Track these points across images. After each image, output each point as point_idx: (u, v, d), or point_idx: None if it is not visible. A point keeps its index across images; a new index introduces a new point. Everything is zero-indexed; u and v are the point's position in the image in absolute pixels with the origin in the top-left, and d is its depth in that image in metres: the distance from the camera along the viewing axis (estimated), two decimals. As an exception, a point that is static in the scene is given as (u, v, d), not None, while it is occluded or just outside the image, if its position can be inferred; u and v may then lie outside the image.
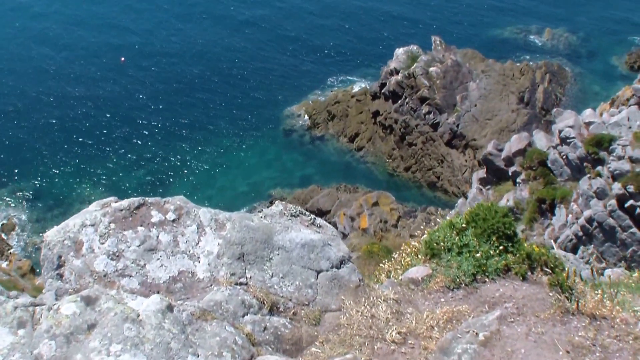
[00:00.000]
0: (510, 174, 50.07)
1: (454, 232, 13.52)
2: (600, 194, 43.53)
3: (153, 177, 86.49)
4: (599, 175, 44.35)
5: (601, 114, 50.37)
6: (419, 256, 13.93)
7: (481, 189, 51.59)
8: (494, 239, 13.07)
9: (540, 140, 50.35)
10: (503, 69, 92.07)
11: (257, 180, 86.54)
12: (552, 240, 44.30)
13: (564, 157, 46.83)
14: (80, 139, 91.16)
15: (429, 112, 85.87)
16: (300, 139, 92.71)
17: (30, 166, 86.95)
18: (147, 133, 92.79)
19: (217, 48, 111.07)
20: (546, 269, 13.09)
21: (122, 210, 10.61)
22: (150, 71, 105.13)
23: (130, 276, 9.90)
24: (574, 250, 44.31)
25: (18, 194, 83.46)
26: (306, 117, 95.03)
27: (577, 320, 10.84)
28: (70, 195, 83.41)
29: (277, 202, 12.27)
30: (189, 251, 10.53)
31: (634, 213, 42.36)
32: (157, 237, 10.39)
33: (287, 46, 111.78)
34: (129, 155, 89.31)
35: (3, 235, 76.84)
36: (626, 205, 42.36)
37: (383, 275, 14.38)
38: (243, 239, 10.83)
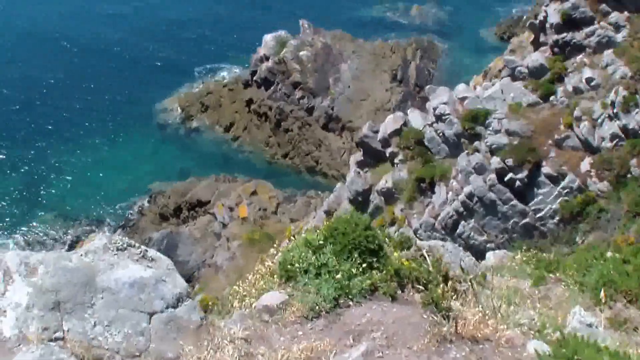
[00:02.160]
0: (387, 155, 49.86)
1: (311, 250, 12.05)
2: (480, 169, 43.74)
3: (25, 182, 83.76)
4: (477, 150, 44.57)
5: (475, 88, 50.67)
6: (274, 278, 12.45)
7: (359, 172, 51.28)
8: (355, 255, 11.75)
9: (416, 119, 50.28)
10: (373, 48, 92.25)
11: (136, 175, 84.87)
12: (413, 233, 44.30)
13: (441, 134, 46.88)
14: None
15: (302, 97, 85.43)
16: (175, 132, 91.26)
17: None
18: (17, 134, 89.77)
19: (84, 44, 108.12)
20: (418, 286, 11.85)
21: None
22: (17, 69, 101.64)
23: None
24: (455, 226, 44.54)
25: None
26: (179, 110, 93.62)
27: (455, 348, 9.62)
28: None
29: (100, 234, 10.47)
30: None
31: (514, 186, 42.74)
32: None
33: (153, 40, 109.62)
34: (1, 157, 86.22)
35: None
36: (506, 178, 42.73)
37: (236, 302, 12.87)
38: (58, 284, 9.08)
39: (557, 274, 17.86)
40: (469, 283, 13.46)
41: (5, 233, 77.15)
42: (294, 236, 40.44)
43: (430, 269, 12.74)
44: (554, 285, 17.08)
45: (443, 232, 44.85)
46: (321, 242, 12.07)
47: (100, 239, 10.15)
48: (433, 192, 46.79)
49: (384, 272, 11.72)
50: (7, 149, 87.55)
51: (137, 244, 10.42)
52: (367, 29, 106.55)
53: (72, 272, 9.23)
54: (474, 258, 19.18)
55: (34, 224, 78.26)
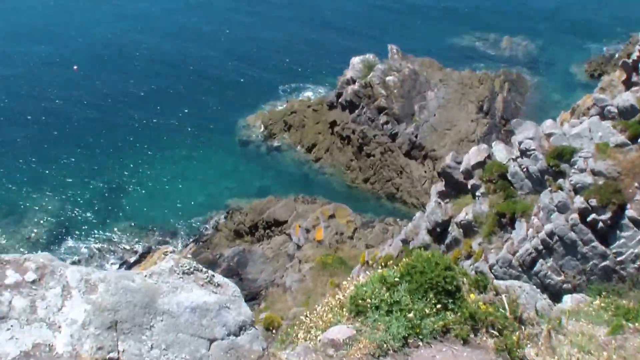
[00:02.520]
0: (469, 187, 48.99)
1: (385, 286, 11.75)
2: (562, 208, 42.62)
3: (108, 189, 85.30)
4: (561, 188, 43.42)
5: (562, 124, 49.58)
6: (344, 311, 12.04)
7: (440, 203, 50.47)
8: (431, 295, 11.41)
9: (500, 152, 49.34)
10: (461, 77, 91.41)
11: (214, 191, 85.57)
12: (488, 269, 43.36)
13: (525, 169, 45.87)
14: (34, 150, 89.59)
15: (386, 122, 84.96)
16: (257, 150, 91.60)
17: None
18: (101, 145, 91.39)
19: (171, 60, 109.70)
20: (493, 331, 11.43)
21: (-33, 269, 8.45)
22: (103, 82, 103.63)
23: (-31, 352, 7.79)
24: (532, 264, 43.49)
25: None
26: (262, 127, 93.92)
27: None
28: (23, 203, 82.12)
29: (169, 255, 10.12)
30: (49, 319, 8.38)
31: (596, 227, 41.54)
32: (10, 302, 8.28)
33: (242, 55, 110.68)
34: (84, 166, 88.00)
35: None
36: (588, 219, 41.54)
37: (301, 332, 12.37)
38: (117, 304, 8.70)
39: (637, 324, 16.94)
40: (543, 327, 13.08)
41: (80, 238, 78.12)
42: (367, 262, 39.90)
43: (508, 314, 12.22)
44: (632, 336, 16.24)
45: (520, 269, 43.84)
46: (397, 279, 11.79)
47: (167, 261, 9.92)
48: (513, 228, 45.75)
49: (459, 314, 11.36)
50: (90, 157, 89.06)
51: (204, 269, 10.08)
52: (456, 57, 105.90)
53: (133, 293, 8.91)
54: (550, 301, 18.46)
55: (109, 231, 79.29)
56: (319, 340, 10.78)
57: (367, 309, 11.36)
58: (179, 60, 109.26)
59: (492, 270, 43.92)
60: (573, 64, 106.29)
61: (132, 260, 74.70)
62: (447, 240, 48.38)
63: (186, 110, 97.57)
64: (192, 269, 9.86)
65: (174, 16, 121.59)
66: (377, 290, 11.60)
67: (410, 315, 10.79)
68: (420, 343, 10.53)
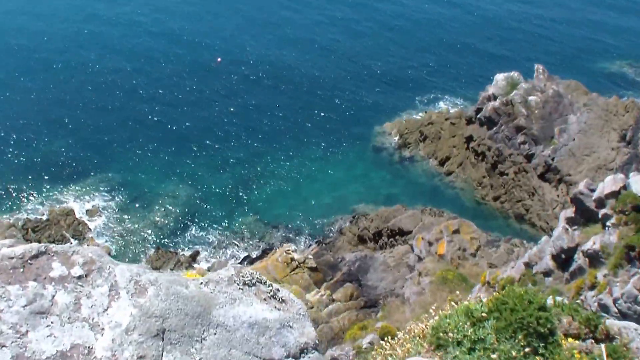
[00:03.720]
0: (600, 216, 47.45)
1: (470, 321, 10.83)
2: (695, 247, 40.84)
3: (239, 180, 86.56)
4: (696, 227, 41.64)
5: None
6: (424, 342, 11.17)
7: (567, 229, 49.07)
8: (520, 336, 10.32)
9: (637, 183, 47.62)
10: (607, 104, 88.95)
11: (342, 194, 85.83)
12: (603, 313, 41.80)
13: (660, 204, 44.15)
14: (171, 138, 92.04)
15: (524, 142, 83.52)
16: (389, 158, 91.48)
17: (121, 158, 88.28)
18: (237, 137, 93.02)
19: (317, 61, 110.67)
20: None
21: (12, 258, 7.74)
22: (247, 75, 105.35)
23: (3, 346, 7.08)
24: (659, 302, 41.84)
25: (106, 183, 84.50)
26: (397, 135, 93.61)
27: None
28: (155, 189, 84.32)
29: (230, 264, 9.05)
30: (92, 319, 7.64)
31: None
32: (53, 297, 7.59)
33: (386, 62, 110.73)
34: (218, 157, 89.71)
35: (86, 220, 78.90)
36: None
37: (378, 359, 11.66)
38: (167, 311, 7.90)
39: None
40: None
41: (205, 227, 79.39)
42: (488, 282, 39.04)
43: None
44: None
45: (634, 328, 42.23)
46: (484, 314, 10.87)
47: (228, 270, 9.05)
48: (642, 263, 44.15)
49: None
50: (224, 150, 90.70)
51: (268, 281, 9.28)
52: (603, 82, 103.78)
53: (186, 300, 8.17)
54: None
55: (234, 223, 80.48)
56: None
57: (449, 343, 10.58)
58: (320, 67, 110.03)
59: (616, 304, 42.46)
60: None
61: (254, 255, 75.48)
62: (571, 268, 47.08)
63: (323, 114, 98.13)
64: (254, 281, 9.10)
65: (319, 28, 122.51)
66: (461, 324, 10.80)
67: (494, 356, 9.97)
68: None
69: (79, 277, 7.94)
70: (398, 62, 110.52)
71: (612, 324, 14.66)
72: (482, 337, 10.33)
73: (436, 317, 11.72)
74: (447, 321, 10.98)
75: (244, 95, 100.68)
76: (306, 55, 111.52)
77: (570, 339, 11.70)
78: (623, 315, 42.29)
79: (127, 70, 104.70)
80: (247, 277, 9.02)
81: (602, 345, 12.07)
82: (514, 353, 10.07)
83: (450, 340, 10.55)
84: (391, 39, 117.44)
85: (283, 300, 9.07)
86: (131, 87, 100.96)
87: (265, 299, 8.89)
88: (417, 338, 11.74)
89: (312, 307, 59.29)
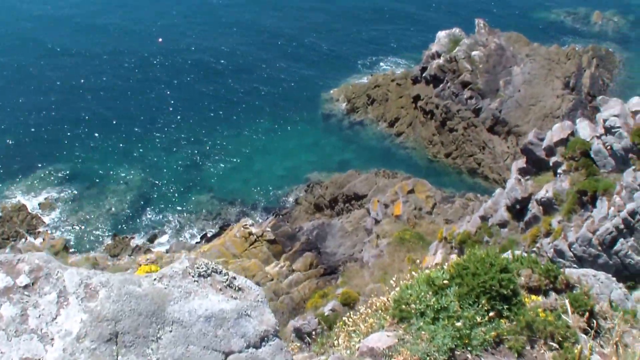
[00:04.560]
0: (551, 164, 48.04)
1: (432, 290, 10.60)
2: (645, 187, 41.49)
3: (190, 159, 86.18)
4: (644, 167, 42.23)
5: (649, 102, 48.24)
6: (387, 317, 10.92)
7: (520, 179, 49.62)
8: (483, 300, 10.19)
9: (584, 129, 48.21)
10: (548, 53, 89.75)
11: (295, 164, 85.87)
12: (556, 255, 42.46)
13: (608, 147, 44.76)
14: (117, 124, 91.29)
15: (470, 97, 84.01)
16: (339, 123, 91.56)
17: (68, 149, 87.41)
18: (185, 118, 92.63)
19: (256, 32, 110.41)
20: (552, 343, 10.14)
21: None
22: (188, 52, 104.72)
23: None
24: (612, 243, 42.53)
25: (55, 174, 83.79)
26: (345, 101, 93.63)
27: None
28: (107, 177, 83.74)
29: (183, 256, 8.69)
30: (41, 330, 7.27)
31: (681, 207, 40.38)
32: None
33: (326, 29, 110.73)
34: (167, 137, 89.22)
35: (39, 214, 78.18)
36: (672, 198, 40.38)
37: (342, 337, 11.49)
38: (119, 313, 7.57)
39: None
40: (615, 322, 12.30)
41: (161, 210, 79.13)
42: (445, 238, 39.39)
43: (570, 322, 11.40)
44: None
45: (599, 248, 42.82)
46: (446, 281, 10.69)
47: (182, 262, 8.63)
48: (594, 207, 44.73)
49: (514, 322, 10.28)
50: (172, 131, 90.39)
51: (223, 270, 8.83)
52: (543, 32, 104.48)
53: (138, 299, 7.80)
54: (626, 290, 17.56)
55: (190, 203, 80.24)
56: (358, 349, 9.99)
57: (412, 314, 10.36)
58: (260, 35, 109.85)
59: (572, 249, 43.10)
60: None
61: (212, 233, 75.45)
62: (526, 218, 47.59)
63: (269, 88, 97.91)
64: (209, 271, 8.67)
65: (257, 11, 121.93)
66: (423, 293, 10.57)
67: (459, 324, 9.73)
68: (469, 356, 9.52)
69: (25, 287, 7.56)
70: (336, 33, 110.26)
71: (571, 272, 14.78)
72: (445, 305, 10.15)
73: (397, 289, 11.51)
74: (409, 292, 10.76)
75: (187, 77, 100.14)
76: (246, 37, 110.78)
77: (533, 297, 11.67)
78: (578, 259, 43.01)
79: (65, 62, 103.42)
80: (202, 268, 8.65)
81: (567, 301, 12.20)
82: (478, 319, 9.95)
83: (413, 311, 10.34)
84: (326, 10, 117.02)
85: (240, 289, 8.72)
86: (71, 78, 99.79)
87: (221, 289, 8.55)
88: (380, 312, 11.60)
89: (272, 279, 59.53)
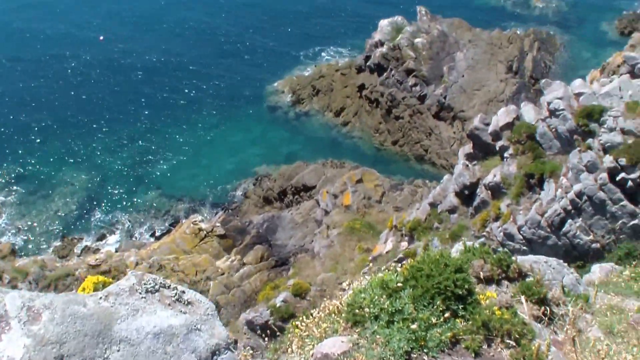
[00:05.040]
0: (497, 148, 48.34)
1: (386, 293, 10.36)
2: (591, 168, 41.89)
3: (137, 158, 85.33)
4: (590, 148, 42.63)
5: (592, 83, 48.68)
6: (340, 321, 10.69)
7: (467, 165, 49.85)
8: (438, 301, 10.03)
9: (529, 112, 48.54)
10: (490, 37, 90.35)
11: (243, 157, 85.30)
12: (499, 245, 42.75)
13: (553, 130, 45.13)
14: (59, 124, 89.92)
15: (415, 85, 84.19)
16: (285, 115, 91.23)
17: (12, 153, 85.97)
18: (129, 113, 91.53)
19: (199, 26, 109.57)
20: (509, 341, 10.04)
21: None
22: (131, 50, 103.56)
23: None
24: (561, 224, 42.94)
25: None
26: (290, 92, 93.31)
27: None
28: (52, 178, 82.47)
29: (130, 273, 8.33)
30: None
31: (626, 186, 40.81)
32: None
33: (266, 25, 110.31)
34: (112, 137, 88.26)
35: None
36: (617, 178, 40.78)
37: (296, 340, 11.22)
38: (64, 335, 7.14)
39: None
40: (570, 309, 12.49)
41: (109, 210, 78.31)
42: (395, 226, 39.30)
43: (526, 318, 11.21)
44: None
45: (548, 229, 43.22)
46: (400, 283, 10.45)
47: (128, 279, 8.26)
48: (541, 189, 45.07)
49: (470, 322, 10.08)
50: (116, 129, 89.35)
51: (172, 285, 8.53)
52: (485, 17, 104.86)
53: (84, 320, 7.42)
54: (577, 275, 17.54)
55: (138, 202, 79.53)
56: (312, 355, 9.67)
57: (366, 318, 10.10)
58: (203, 30, 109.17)
59: (521, 232, 43.49)
60: (604, 21, 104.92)
61: (161, 230, 74.94)
62: (475, 203, 47.83)
63: (212, 81, 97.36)
64: (157, 286, 8.33)
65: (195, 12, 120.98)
66: (377, 297, 10.31)
67: (414, 326, 9.53)
68: (425, 357, 9.32)
69: (-34, 313, 6.93)
70: (277, 29, 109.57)
71: (523, 260, 14.91)
72: (400, 307, 9.92)
73: (350, 292, 11.23)
74: (362, 296, 10.51)
75: (130, 77, 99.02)
76: (188, 36, 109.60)
77: (489, 293, 11.52)
78: (528, 242, 43.32)
79: (3, 68, 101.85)
80: (150, 283, 8.33)
81: (523, 297, 12.09)
82: (433, 320, 9.79)
83: (367, 315, 10.09)
84: (265, 7, 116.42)
85: (189, 303, 8.44)
86: (10, 84, 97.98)
87: (170, 304, 8.25)
88: (333, 315, 11.33)
89: (223, 274, 59.42)
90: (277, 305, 49.41)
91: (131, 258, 59.22)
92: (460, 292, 10.29)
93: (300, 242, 65.32)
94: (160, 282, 8.25)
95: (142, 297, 8.01)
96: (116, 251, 66.93)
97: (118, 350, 7.36)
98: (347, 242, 57.80)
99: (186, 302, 8.29)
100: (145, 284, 8.17)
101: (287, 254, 64.14)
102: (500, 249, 43.76)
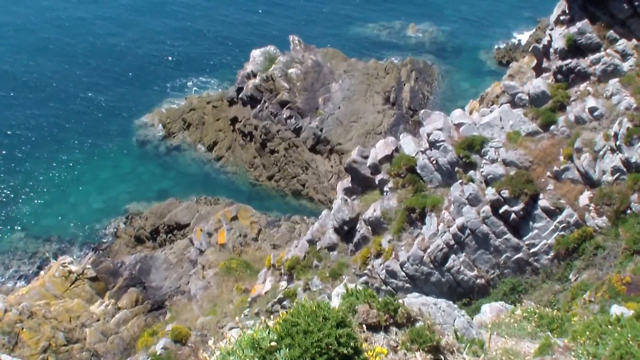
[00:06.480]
0: (377, 182, 47.08)
1: (259, 355, 8.65)
2: (473, 200, 41.11)
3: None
4: (472, 180, 41.93)
5: (471, 113, 48.16)
6: None
7: (346, 200, 48.35)
8: None
9: (408, 144, 47.38)
10: (366, 67, 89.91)
11: (112, 195, 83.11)
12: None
13: (434, 162, 44.13)
14: None
15: (290, 117, 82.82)
16: (155, 150, 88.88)
17: None
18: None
19: (61, 57, 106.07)
20: None
21: None
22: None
23: None
24: (444, 260, 42.20)
25: None
26: (160, 126, 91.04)
27: None
28: None
29: None
30: None
31: (509, 218, 40.43)
32: None
33: (135, 51, 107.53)
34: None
35: None
36: (500, 211, 40.42)
37: None
38: None
39: (566, 340, 15.42)
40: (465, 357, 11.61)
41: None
42: (273, 265, 37.51)
43: None
44: (561, 356, 14.73)
45: (432, 265, 42.37)
46: (273, 343, 8.75)
47: None
48: (423, 223, 44.06)
49: None
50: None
51: None
52: (360, 47, 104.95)
53: None
54: (468, 317, 16.63)
55: (3, 243, 75.86)
56: None
57: None
58: (79, 60, 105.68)
59: (404, 269, 42.53)
60: (481, 50, 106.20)
61: (29, 274, 71.82)
62: (356, 239, 46.60)
63: (74, 116, 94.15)
64: None
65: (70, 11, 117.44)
66: None
67: None
68: None
69: None
70: (138, 58, 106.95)
71: (411, 303, 14.19)
72: None
73: (217, 354, 9.34)
74: (230, 359, 8.79)
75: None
76: (41, 61, 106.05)
77: (377, 349, 9.97)
78: (411, 279, 42.08)
79: None
80: None
81: (417, 354, 10.40)
82: None
83: None
84: (121, 35, 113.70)
85: None
86: None
87: None
88: None
89: (98, 320, 57.43)
90: (158, 353, 47.64)
91: None
92: (346, 351, 8.79)
93: (175, 283, 63.66)
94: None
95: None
96: (-25, 298, 63.28)
97: None
98: (224, 283, 56.83)
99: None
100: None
101: (163, 296, 62.41)
102: (384, 287, 42.38)
